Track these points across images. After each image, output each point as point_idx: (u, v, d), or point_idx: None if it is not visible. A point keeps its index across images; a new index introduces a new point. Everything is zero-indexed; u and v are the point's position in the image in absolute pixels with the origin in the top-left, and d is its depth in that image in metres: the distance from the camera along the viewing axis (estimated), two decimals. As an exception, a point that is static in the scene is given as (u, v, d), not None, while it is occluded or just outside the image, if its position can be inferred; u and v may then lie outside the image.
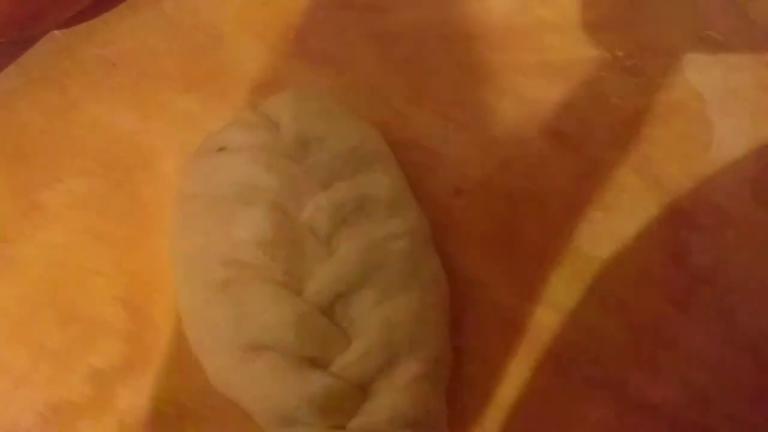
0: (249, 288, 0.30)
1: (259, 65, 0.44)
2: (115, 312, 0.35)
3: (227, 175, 0.33)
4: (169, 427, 0.32)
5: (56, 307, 0.35)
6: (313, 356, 0.30)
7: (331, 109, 0.37)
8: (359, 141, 0.35)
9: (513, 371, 0.34)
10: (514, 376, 0.34)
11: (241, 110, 0.41)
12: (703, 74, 0.43)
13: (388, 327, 0.30)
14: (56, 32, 0.45)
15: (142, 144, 0.41)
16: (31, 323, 0.35)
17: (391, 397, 0.29)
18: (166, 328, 0.35)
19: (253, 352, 0.30)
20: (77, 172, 0.39)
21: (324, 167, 0.33)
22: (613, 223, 0.38)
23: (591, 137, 0.41)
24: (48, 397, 0.33)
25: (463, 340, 0.34)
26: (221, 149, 0.34)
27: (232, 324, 0.30)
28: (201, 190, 0.33)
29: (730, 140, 0.40)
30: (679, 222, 0.38)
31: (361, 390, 0.29)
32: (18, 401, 0.33)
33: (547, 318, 0.35)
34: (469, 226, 0.38)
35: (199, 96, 0.42)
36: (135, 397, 0.33)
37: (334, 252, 0.31)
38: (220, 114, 0.41)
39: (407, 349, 0.29)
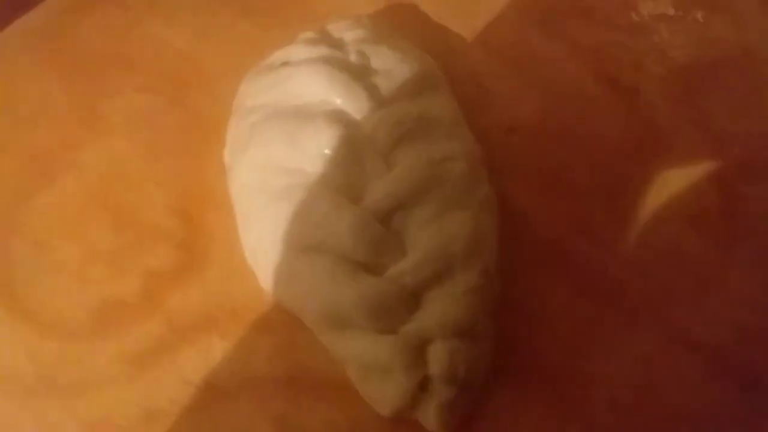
0: (309, 194, 0.31)
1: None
2: (168, 219, 0.36)
3: (290, 88, 0.33)
4: (218, 329, 0.33)
5: (111, 211, 0.36)
6: (369, 262, 0.30)
7: (392, 36, 0.37)
8: (419, 67, 0.35)
9: (557, 299, 0.34)
10: (558, 304, 0.34)
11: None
12: (763, 33, 0.43)
13: (443, 239, 0.30)
14: (117, -48, 0.45)
15: (201, 63, 0.41)
16: (86, 225, 0.36)
17: (444, 306, 0.29)
18: (218, 235, 0.35)
19: (309, 254, 0.30)
20: (137, 87, 0.40)
21: (385, 87, 0.33)
22: (664, 169, 0.38)
23: (646, 86, 0.40)
24: (100, 295, 0.34)
25: (509, 267, 0.34)
26: (284, 64, 0.35)
27: (290, 226, 0.30)
28: (263, 102, 0.34)
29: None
30: (732, 173, 0.38)
31: (414, 298, 0.30)
32: (70, 297, 0.34)
33: (593, 252, 0.35)
34: (520, 163, 0.38)
35: (257, 21, 0.43)
36: (185, 300, 0.34)
37: (393, 166, 0.31)
38: (276, 39, 0.41)
39: (461, 262, 0.30)
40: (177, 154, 0.38)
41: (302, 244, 0.30)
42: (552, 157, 0.38)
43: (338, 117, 0.32)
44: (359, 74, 0.33)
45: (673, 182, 0.37)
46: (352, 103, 0.32)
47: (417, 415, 0.29)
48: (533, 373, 0.32)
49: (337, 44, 0.35)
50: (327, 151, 0.31)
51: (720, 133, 0.39)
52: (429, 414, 0.29)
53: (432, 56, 0.38)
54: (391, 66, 0.34)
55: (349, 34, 0.36)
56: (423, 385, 0.29)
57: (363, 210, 0.30)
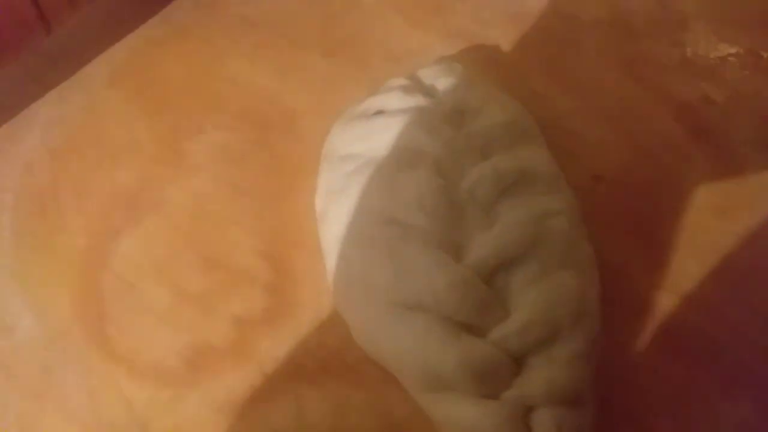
0: (410, 248, 0.30)
1: (396, 36, 0.44)
2: (255, 263, 0.36)
3: (387, 137, 0.33)
4: (308, 379, 0.33)
5: (198, 252, 0.36)
6: (470, 323, 0.29)
7: (483, 82, 0.37)
8: (513, 115, 0.35)
9: (649, 360, 0.34)
10: (650, 365, 0.33)
11: (379, 78, 0.41)
12: None
13: (549, 302, 0.29)
14: (198, -12, 0.45)
15: (282, 103, 0.41)
16: (174, 265, 0.36)
17: (550, 372, 0.29)
18: (307, 282, 0.35)
19: (408, 311, 0.30)
20: (219, 126, 0.40)
21: (482, 137, 0.33)
22: (755, 224, 0.37)
23: (734, 135, 0.40)
24: (190, 339, 0.34)
25: (605, 327, 0.33)
26: (378, 112, 0.35)
27: (390, 281, 0.30)
28: (358, 150, 0.34)
29: None
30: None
31: (516, 363, 0.29)
32: (161, 341, 0.34)
33: (684, 310, 0.35)
34: (608, 213, 0.37)
35: (336, 60, 0.43)
36: (275, 347, 0.33)
37: (494, 222, 0.31)
38: (357, 80, 0.41)
39: (569, 325, 0.29)
40: (262, 196, 0.38)
41: (401, 299, 0.30)
42: (640, 209, 0.38)
43: (438, 169, 0.31)
44: (456, 124, 0.33)
45: (765, 239, 0.36)
46: (451, 156, 0.32)
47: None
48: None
49: (429, 92, 0.35)
50: (427, 204, 0.31)
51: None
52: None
53: (517, 100, 0.38)
54: (487, 115, 0.34)
55: (441, 81, 0.36)
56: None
57: (466, 269, 0.30)
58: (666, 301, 0.35)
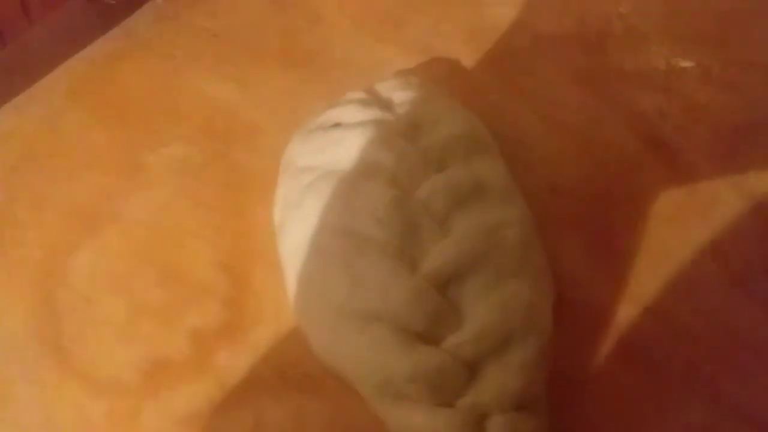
0: (366, 259, 0.30)
1: (357, 49, 0.45)
2: (214, 275, 0.36)
3: (344, 150, 0.33)
4: (269, 391, 0.33)
5: (156, 265, 0.36)
6: (424, 332, 0.30)
7: (440, 96, 0.37)
8: (470, 128, 0.35)
9: (605, 368, 0.34)
10: (605, 372, 0.34)
11: (340, 92, 0.41)
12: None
13: (502, 311, 0.30)
14: (159, 0, 0.45)
15: (243, 116, 0.41)
16: (131, 279, 0.36)
17: (503, 378, 0.29)
18: (266, 294, 0.35)
19: (364, 322, 0.30)
20: (179, 138, 0.40)
21: (437, 149, 0.34)
22: (707, 231, 0.38)
23: (688, 147, 0.41)
24: (148, 352, 0.34)
25: (557, 333, 0.34)
26: (336, 125, 0.35)
27: (346, 292, 0.30)
28: (315, 163, 0.34)
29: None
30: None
31: (470, 370, 0.30)
32: (118, 355, 0.33)
33: (639, 317, 0.35)
34: (565, 223, 0.38)
35: (298, 74, 0.43)
36: (234, 359, 0.33)
37: (448, 233, 0.31)
38: (317, 93, 0.42)
39: (521, 333, 0.30)
40: (221, 209, 0.38)
41: (357, 310, 0.30)
42: (595, 218, 0.38)
43: (393, 181, 0.32)
44: (412, 137, 0.34)
45: (717, 245, 0.37)
46: (407, 168, 0.32)
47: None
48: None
49: (387, 105, 0.36)
50: (382, 215, 0.31)
51: (762, 196, 0.39)
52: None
53: (475, 113, 0.39)
54: (442, 128, 0.34)
55: (398, 94, 0.36)
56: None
57: (421, 279, 0.30)
58: (621, 309, 0.35)
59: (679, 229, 0.38)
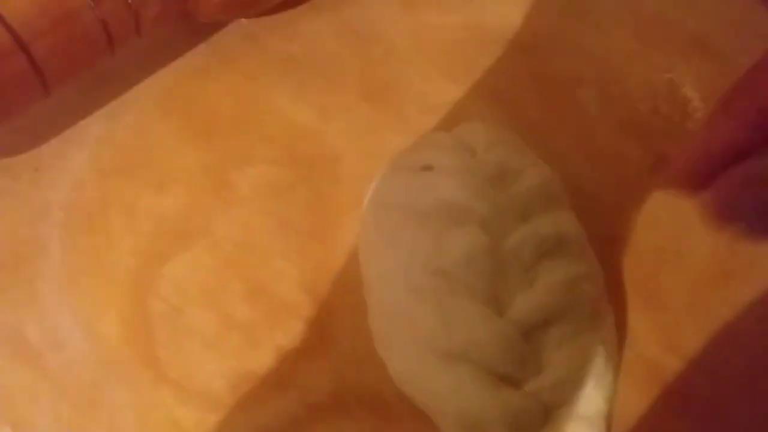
0: (457, 300, 0.33)
1: (430, 87, 0.47)
2: (298, 296, 0.38)
3: (437, 194, 0.36)
4: (347, 412, 0.35)
5: (244, 281, 0.38)
6: (507, 375, 0.32)
7: (520, 145, 0.40)
8: (549, 178, 0.38)
9: (655, 419, 0.37)
10: (655, 423, 0.37)
11: (415, 129, 0.43)
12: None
13: (579, 362, 0.33)
14: (243, 20, 0.47)
15: (324, 142, 0.43)
16: (220, 293, 0.37)
17: (576, 429, 0.32)
18: (346, 318, 0.37)
19: (451, 359, 0.33)
20: (265, 159, 0.42)
21: (522, 199, 0.36)
22: (753, 293, 0.41)
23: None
24: (237, 366, 0.36)
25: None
26: (426, 167, 0.37)
27: (435, 329, 0.33)
28: (405, 202, 0.36)
29: None
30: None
31: (548, 415, 0.32)
32: (208, 366, 0.35)
33: (692, 374, 0.38)
34: (618, 274, 0.41)
35: (375, 106, 0.45)
36: (316, 378, 0.36)
37: (533, 282, 0.34)
38: (393, 127, 0.44)
39: (592, 386, 0.33)
40: (305, 232, 0.40)
41: (444, 347, 0.33)
42: (650, 274, 0.41)
43: (485, 228, 0.34)
44: (499, 186, 0.36)
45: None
46: (497, 216, 0.35)
47: None
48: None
49: (472, 151, 0.38)
50: (475, 260, 0.33)
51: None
52: None
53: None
54: (526, 179, 0.37)
55: (481, 140, 0.38)
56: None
57: (509, 323, 0.33)
58: (670, 363, 0.38)
59: (726, 290, 0.41)
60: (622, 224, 0.43)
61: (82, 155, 0.41)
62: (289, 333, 0.37)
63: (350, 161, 0.42)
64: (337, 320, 0.37)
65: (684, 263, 0.42)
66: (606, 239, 0.42)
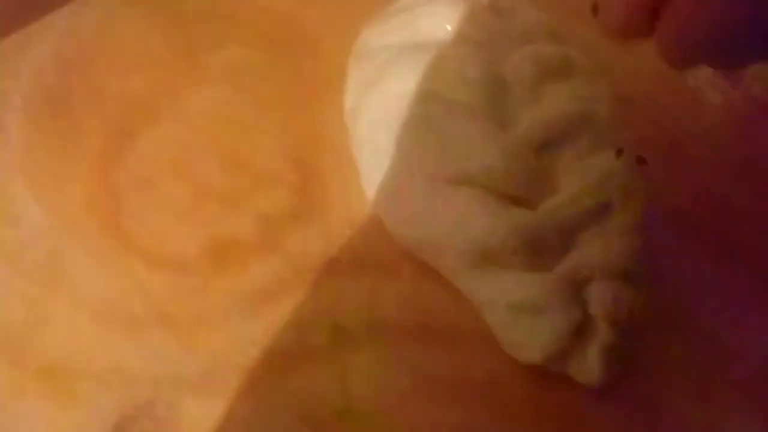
0: (454, 121, 0.29)
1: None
2: (280, 164, 0.34)
3: (425, 25, 0.32)
4: (344, 273, 0.31)
5: (220, 154, 0.34)
6: (520, 196, 0.28)
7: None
8: (545, 17, 0.34)
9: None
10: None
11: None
12: None
13: (599, 176, 0.28)
14: None
15: (303, 26, 0.40)
16: (194, 165, 0.34)
17: (605, 245, 0.27)
18: (335, 183, 0.33)
19: (453, 186, 0.29)
20: (239, 42, 0.39)
21: (519, 31, 0.33)
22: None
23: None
24: (213, 233, 0.32)
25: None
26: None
27: (433, 155, 0.29)
28: (393, 41, 0.33)
29: None
30: None
31: (569, 236, 0.28)
32: (182, 235, 0.32)
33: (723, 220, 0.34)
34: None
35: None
36: (305, 244, 0.32)
37: (540, 100, 0.30)
38: (375, 6, 0.40)
39: (619, 200, 0.28)
40: (285, 106, 0.36)
41: (444, 174, 0.29)
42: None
43: (480, 50, 0.31)
44: (497, 17, 0.33)
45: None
46: (492, 40, 0.31)
47: (567, 366, 0.27)
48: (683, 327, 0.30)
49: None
50: (471, 77, 0.30)
51: None
52: (588, 360, 0.26)
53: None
54: (521, 14, 0.34)
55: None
56: (579, 331, 0.27)
57: (516, 138, 0.29)
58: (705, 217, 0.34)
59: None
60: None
61: (45, 47, 0.38)
62: (273, 200, 0.33)
63: (331, 41, 0.39)
64: (326, 186, 0.34)
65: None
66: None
